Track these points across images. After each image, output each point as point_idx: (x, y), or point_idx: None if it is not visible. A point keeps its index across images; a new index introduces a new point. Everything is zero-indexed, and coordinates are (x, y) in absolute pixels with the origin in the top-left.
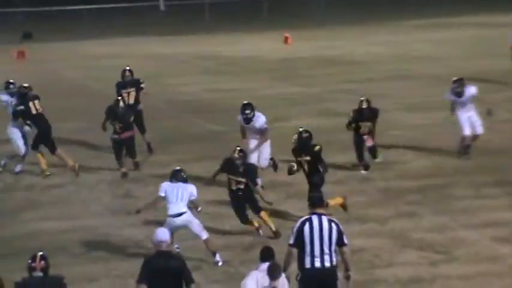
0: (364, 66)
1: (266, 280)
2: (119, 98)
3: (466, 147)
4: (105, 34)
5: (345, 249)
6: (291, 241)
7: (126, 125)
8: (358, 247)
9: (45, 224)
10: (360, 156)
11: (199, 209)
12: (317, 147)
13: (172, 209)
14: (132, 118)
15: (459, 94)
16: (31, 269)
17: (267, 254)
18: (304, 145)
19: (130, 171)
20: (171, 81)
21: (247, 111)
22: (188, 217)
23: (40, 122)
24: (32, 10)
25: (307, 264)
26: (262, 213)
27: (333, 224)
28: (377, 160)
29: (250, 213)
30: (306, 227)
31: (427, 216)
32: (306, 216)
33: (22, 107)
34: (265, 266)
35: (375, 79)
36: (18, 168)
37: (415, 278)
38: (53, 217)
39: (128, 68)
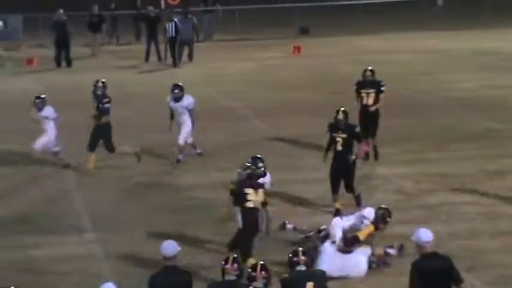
0: None
1: None
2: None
3: None
4: (379, 29)
5: None
6: None
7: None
8: None
9: None
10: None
11: None
12: (357, 128)
13: None
14: None
15: None
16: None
17: None
18: (341, 123)
19: None
20: (448, 77)
21: (176, 91)
22: None
23: None
24: (309, 5)
25: None
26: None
27: None
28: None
29: None
30: None
31: None
32: None
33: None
34: None
35: None
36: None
37: None
38: None
39: (369, 68)
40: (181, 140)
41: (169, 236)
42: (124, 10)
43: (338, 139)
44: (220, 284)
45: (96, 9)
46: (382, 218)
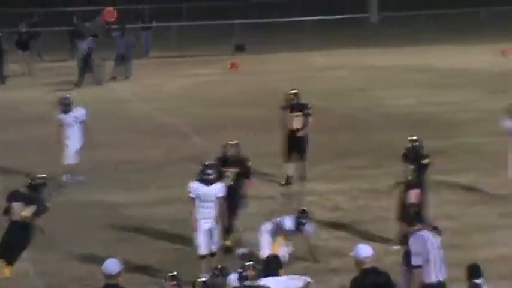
0: None
1: None
2: None
3: None
4: (318, 46)
5: None
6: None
7: None
8: None
9: None
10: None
11: None
12: (427, 160)
13: None
14: None
15: None
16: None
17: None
18: (413, 153)
19: None
20: (385, 93)
21: (65, 101)
22: None
23: None
24: (247, 22)
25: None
26: None
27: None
28: None
29: None
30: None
31: None
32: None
33: None
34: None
35: None
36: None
37: None
38: None
39: (293, 91)
40: (68, 160)
41: (107, 254)
42: (55, 26)
43: (228, 174)
44: None
45: (24, 26)
46: (299, 224)
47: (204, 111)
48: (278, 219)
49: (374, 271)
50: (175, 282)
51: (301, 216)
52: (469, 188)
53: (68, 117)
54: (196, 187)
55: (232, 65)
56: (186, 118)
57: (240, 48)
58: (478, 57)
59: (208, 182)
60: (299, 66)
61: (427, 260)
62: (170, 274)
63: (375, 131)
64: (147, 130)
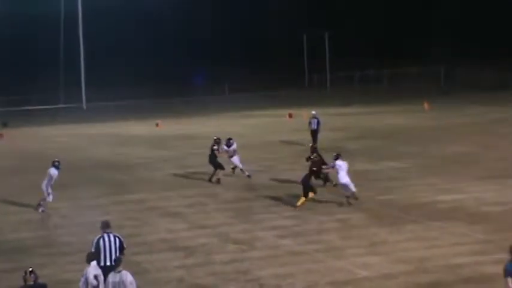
0: None
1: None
2: None
3: None
4: (58, 121)
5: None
6: None
7: None
8: None
9: None
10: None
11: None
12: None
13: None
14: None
15: None
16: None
17: None
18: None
19: None
20: (90, 149)
21: None
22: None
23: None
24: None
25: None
26: None
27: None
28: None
29: None
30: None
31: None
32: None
33: None
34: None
35: None
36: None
37: None
38: None
39: None
40: None
41: None
42: None
43: None
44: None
45: None
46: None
47: None
48: None
49: None
50: (33, 275)
51: None
52: None
53: None
54: None
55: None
56: None
57: (4, 124)
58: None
59: None
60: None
61: None
62: (28, 269)
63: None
64: None
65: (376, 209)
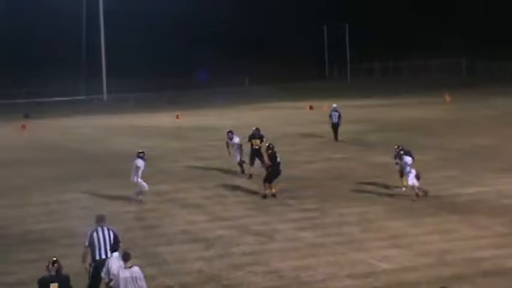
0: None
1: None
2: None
3: None
4: (77, 113)
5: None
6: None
7: None
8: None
9: None
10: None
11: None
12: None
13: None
14: None
15: None
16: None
17: None
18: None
19: None
20: (113, 140)
21: None
22: None
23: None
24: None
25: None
26: None
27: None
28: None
29: None
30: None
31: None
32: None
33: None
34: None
35: None
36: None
37: None
38: None
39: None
40: None
41: None
42: None
43: None
44: (47, 278)
45: None
46: None
47: None
48: None
49: None
50: (56, 265)
51: None
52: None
53: None
54: None
55: (22, 127)
56: None
57: (26, 116)
58: (160, 119)
59: None
60: (65, 128)
61: None
62: (52, 259)
63: (106, 162)
64: None
65: (396, 201)
